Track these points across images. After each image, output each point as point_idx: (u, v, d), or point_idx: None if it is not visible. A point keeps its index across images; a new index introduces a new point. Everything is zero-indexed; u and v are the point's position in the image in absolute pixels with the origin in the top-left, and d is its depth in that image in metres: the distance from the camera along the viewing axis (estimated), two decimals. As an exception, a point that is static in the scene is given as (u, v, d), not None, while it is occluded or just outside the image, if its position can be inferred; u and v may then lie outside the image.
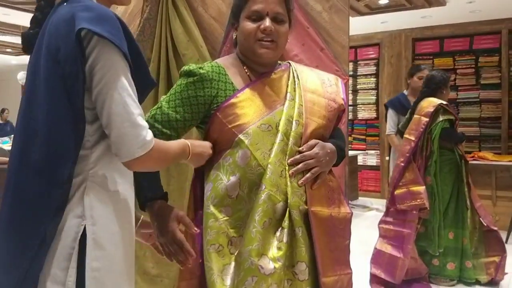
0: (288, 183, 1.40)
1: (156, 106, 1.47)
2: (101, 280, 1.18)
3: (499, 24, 6.40)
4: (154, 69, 2.95)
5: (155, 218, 1.42)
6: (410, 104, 4.05)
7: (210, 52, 2.99)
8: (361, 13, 6.04)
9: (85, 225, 1.16)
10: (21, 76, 8.35)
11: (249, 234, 1.35)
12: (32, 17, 1.29)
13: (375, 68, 7.39)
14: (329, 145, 1.49)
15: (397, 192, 3.57)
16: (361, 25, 6.52)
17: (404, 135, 3.78)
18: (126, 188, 1.27)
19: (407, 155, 3.61)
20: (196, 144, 1.40)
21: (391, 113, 4.38)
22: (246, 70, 1.51)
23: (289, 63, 1.58)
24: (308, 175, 1.43)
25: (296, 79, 1.52)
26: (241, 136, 1.40)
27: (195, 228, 1.40)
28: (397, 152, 4.07)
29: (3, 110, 10.10)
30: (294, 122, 1.45)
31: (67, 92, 1.14)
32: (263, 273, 1.32)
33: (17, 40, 7.93)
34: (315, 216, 1.42)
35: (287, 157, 1.42)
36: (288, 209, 1.39)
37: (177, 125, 1.45)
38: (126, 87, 1.14)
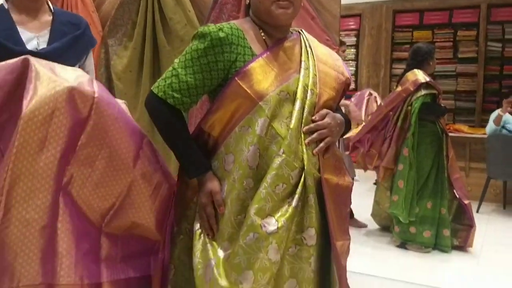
0: (304, 151, 1.42)
1: (169, 74, 1.42)
2: None
3: (478, -2, 6.46)
4: (139, 32, 2.89)
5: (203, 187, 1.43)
6: None
7: (198, 17, 2.93)
8: (343, -17, 6.00)
9: None
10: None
11: (259, 194, 1.37)
12: None
13: (355, 39, 7.39)
14: (339, 116, 1.52)
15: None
16: (343, -5, 6.48)
17: (382, 102, 3.91)
18: None
19: (374, 120, 3.98)
20: None
21: None
22: (262, 35, 1.48)
23: (299, 32, 1.57)
24: (321, 144, 1.45)
25: (308, 48, 1.52)
26: (261, 104, 1.39)
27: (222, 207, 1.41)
28: None
29: None
30: (309, 91, 1.45)
31: None
32: (264, 231, 1.34)
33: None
34: (327, 183, 1.45)
35: (302, 125, 1.43)
36: (303, 175, 1.40)
37: (196, 92, 1.42)
38: None
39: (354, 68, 7.44)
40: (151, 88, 1.45)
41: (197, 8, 2.96)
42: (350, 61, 7.46)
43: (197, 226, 1.45)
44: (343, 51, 4.36)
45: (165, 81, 1.42)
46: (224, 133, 1.45)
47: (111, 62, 2.85)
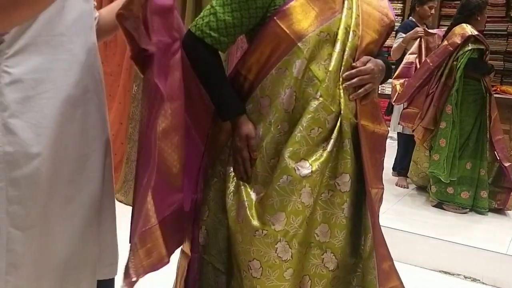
0: (342, 95, 1.39)
1: (207, 12, 1.39)
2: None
3: (538, -47, 6.07)
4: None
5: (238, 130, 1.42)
6: None
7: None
8: None
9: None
10: None
11: (293, 138, 1.36)
12: None
13: (402, -8, 7.10)
14: (380, 62, 1.46)
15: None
16: None
17: (426, 57, 3.75)
18: (44, 76, 1.16)
19: (421, 77, 3.75)
20: None
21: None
22: None
23: None
24: (361, 90, 1.41)
25: None
26: (299, 44, 1.35)
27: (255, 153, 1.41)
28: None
29: None
30: (351, 33, 1.40)
31: None
32: (298, 174, 1.34)
33: None
34: (364, 129, 1.43)
35: (342, 68, 1.39)
36: (340, 120, 1.38)
37: (234, 31, 1.39)
38: None
39: (399, 24, 7.17)
40: (189, 27, 1.43)
41: None
42: (397, 17, 7.17)
43: (230, 169, 1.45)
44: (430, 8, 4.15)
45: (203, 20, 1.39)
46: (261, 75, 1.42)
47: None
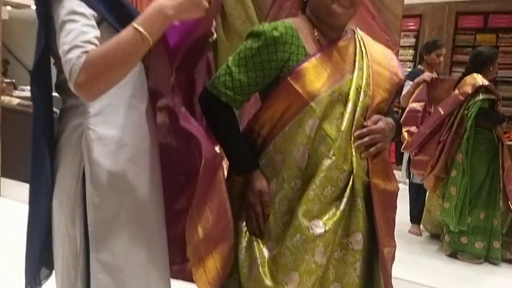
0: (354, 153, 1.40)
1: (223, 71, 1.42)
2: (103, 217, 1.26)
3: (548, 3, 6.16)
4: (199, 27, 2.96)
5: (252, 185, 1.44)
6: None
7: (257, 13, 2.95)
8: (405, -18, 5.85)
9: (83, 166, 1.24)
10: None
11: (307, 196, 1.37)
12: None
13: (414, 40, 7.19)
14: (391, 121, 1.48)
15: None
16: (403, -5, 6.32)
17: (438, 106, 3.76)
18: (123, 133, 1.29)
19: (433, 125, 3.75)
20: (151, 13, 1.14)
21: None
22: (316, 34, 1.45)
23: (354, 31, 1.53)
24: (372, 149, 1.42)
25: (363, 48, 1.48)
26: (312, 104, 1.38)
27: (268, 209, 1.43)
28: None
29: None
30: (362, 93, 1.42)
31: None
32: (312, 233, 1.34)
33: None
34: (376, 187, 1.44)
35: (353, 127, 1.41)
36: (352, 178, 1.39)
37: (249, 90, 1.43)
38: (68, 19, 1.13)
39: (411, 70, 7.26)
40: (205, 85, 1.47)
41: (257, 5, 2.98)
42: (408, 62, 7.29)
43: (243, 223, 1.46)
44: (438, 56, 4.18)
45: (219, 79, 1.43)
46: (274, 132, 1.45)
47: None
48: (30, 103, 1.41)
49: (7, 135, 4.39)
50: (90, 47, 1.09)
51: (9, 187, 4.45)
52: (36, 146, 1.30)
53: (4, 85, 6.25)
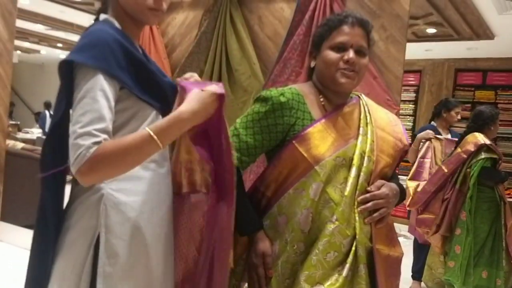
0: (357, 219, 1.41)
1: (231, 133, 1.44)
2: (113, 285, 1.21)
3: (545, 61, 6.31)
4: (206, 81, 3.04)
5: (255, 246, 1.44)
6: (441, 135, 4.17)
7: (262, 70, 3.05)
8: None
9: (99, 232, 1.20)
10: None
11: (309, 261, 1.37)
12: None
13: (414, 95, 7.33)
14: (394, 186, 1.49)
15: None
16: (404, 51, 6.50)
17: (441, 164, 3.80)
18: (142, 199, 1.27)
19: (437, 183, 3.74)
20: (171, 122, 1.18)
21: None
22: (321, 100, 1.50)
23: (359, 96, 1.57)
24: (375, 214, 1.43)
25: (367, 114, 1.52)
26: (317, 168, 1.40)
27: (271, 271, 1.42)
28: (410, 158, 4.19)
29: (49, 104, 9.96)
30: (366, 158, 1.44)
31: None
32: None
33: (69, 36, 8.13)
34: (379, 253, 1.43)
35: (357, 192, 1.42)
36: (355, 244, 1.40)
37: (255, 152, 1.46)
38: (89, 96, 1.12)
39: (412, 124, 7.36)
40: None
41: (262, 61, 3.08)
42: (408, 116, 7.40)
43: (245, 285, 1.46)
44: (457, 114, 4.27)
45: None
46: (278, 193, 1.46)
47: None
48: (34, 147, 1.38)
49: (9, 179, 4.40)
50: (102, 137, 1.10)
51: (9, 232, 4.43)
52: (43, 214, 1.25)
53: (10, 128, 6.32)
